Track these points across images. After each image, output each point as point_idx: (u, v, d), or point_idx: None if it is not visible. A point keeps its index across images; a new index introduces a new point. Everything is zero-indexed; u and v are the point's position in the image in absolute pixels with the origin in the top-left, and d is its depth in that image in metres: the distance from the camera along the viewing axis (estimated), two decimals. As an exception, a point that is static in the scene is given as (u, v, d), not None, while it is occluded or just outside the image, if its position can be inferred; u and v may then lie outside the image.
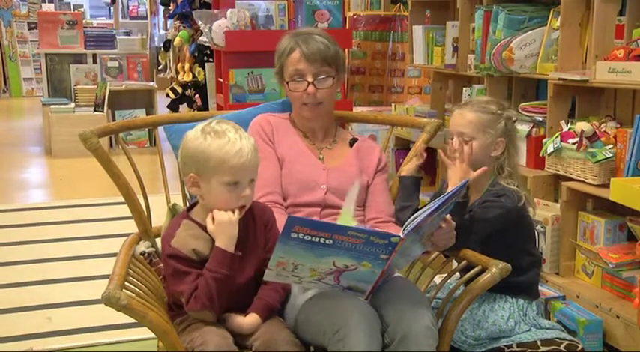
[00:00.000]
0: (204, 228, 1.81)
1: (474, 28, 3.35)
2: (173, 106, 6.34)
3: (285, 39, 2.23)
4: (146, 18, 12.40)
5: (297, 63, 2.16)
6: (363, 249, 1.66)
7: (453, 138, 2.16)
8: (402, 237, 1.66)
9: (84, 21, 8.36)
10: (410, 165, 2.24)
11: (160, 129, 2.33)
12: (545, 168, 2.85)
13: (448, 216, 1.89)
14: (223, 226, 1.77)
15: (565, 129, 2.74)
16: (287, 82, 2.19)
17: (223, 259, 1.75)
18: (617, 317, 2.46)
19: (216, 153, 1.74)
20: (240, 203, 1.80)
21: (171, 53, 6.66)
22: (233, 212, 1.78)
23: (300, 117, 2.25)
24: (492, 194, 2.11)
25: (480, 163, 2.11)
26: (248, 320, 1.80)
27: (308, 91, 2.15)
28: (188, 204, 2.02)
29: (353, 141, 2.28)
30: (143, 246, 2.05)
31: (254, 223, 1.88)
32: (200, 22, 4.17)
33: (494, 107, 2.15)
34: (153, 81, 7.92)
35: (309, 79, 2.15)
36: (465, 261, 2.00)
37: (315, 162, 2.19)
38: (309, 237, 1.61)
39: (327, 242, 1.63)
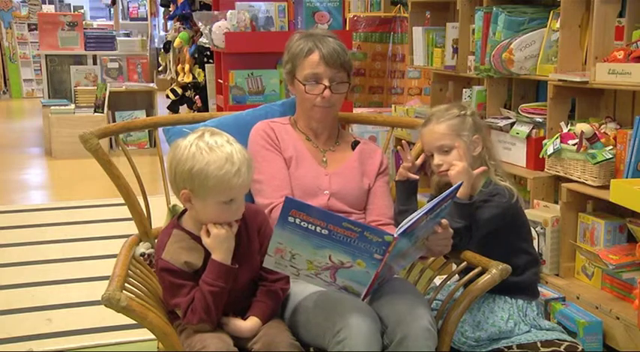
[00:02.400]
0: (195, 238, 1.80)
1: (473, 30, 3.35)
2: (173, 107, 6.35)
3: (298, 39, 2.17)
4: (146, 19, 12.43)
5: (317, 66, 2.11)
6: (357, 245, 1.66)
7: (432, 155, 2.16)
8: (395, 236, 1.66)
9: (84, 22, 8.36)
10: (402, 169, 2.24)
11: (160, 130, 2.34)
12: (545, 170, 2.85)
13: (445, 221, 1.87)
14: (220, 239, 1.75)
15: (565, 130, 2.74)
16: (304, 84, 2.13)
17: (220, 272, 1.74)
18: (617, 318, 2.46)
19: (216, 174, 1.68)
20: (234, 218, 1.78)
21: (171, 54, 6.66)
22: (229, 225, 1.77)
23: (307, 118, 2.22)
24: (486, 194, 2.11)
25: (470, 166, 2.11)
26: (248, 324, 1.80)
27: (324, 95, 2.11)
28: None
29: (355, 144, 2.27)
30: (143, 247, 2.05)
31: (246, 228, 1.86)
32: (200, 24, 4.17)
33: (456, 110, 2.16)
34: (153, 82, 7.92)
35: (326, 83, 2.11)
36: (464, 263, 2.00)
37: (317, 168, 2.17)
38: (306, 224, 1.62)
39: (322, 231, 1.63)
